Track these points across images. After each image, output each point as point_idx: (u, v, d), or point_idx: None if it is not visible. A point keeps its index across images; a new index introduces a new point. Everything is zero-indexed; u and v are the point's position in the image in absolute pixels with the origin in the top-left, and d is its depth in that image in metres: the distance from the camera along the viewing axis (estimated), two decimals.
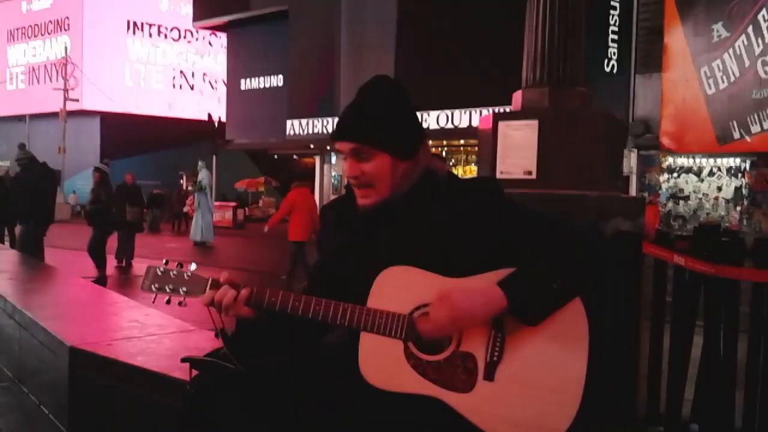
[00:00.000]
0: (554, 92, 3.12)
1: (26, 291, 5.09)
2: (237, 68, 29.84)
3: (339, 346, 1.86)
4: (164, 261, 1.82)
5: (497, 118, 3.24)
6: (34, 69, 41.45)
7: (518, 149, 3.12)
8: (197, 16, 31.18)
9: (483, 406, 1.61)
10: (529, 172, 3.11)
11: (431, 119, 21.39)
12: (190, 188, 24.76)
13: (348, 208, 1.85)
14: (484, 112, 16.20)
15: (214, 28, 32.71)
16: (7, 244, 11.57)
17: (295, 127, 26.42)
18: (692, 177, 20.11)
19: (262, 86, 28.64)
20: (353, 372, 1.64)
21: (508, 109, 3.44)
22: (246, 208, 30.58)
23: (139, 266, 11.62)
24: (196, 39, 41.38)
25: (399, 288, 1.67)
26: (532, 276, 1.63)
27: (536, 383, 1.63)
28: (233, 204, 28.50)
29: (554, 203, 2.95)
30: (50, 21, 40.48)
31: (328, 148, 25.28)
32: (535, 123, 3.06)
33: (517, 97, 3.31)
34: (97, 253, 10.37)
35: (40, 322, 3.71)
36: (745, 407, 2.83)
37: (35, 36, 42.01)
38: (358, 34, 23.53)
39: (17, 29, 43.22)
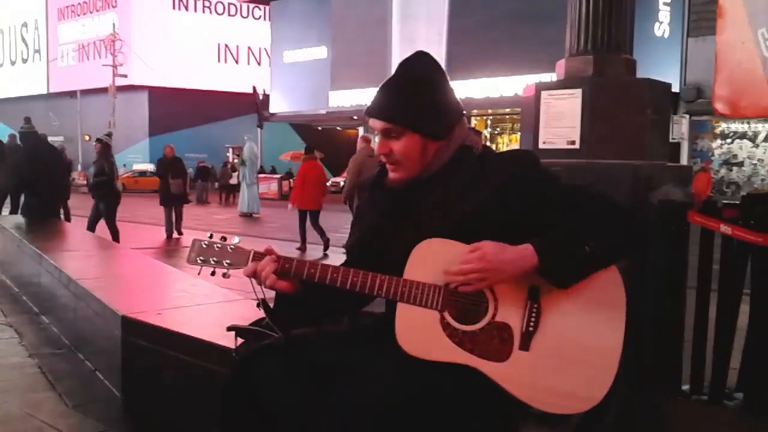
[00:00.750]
0: (598, 60, 3.05)
1: (80, 263, 5.27)
2: (280, 40, 29.88)
3: (377, 316, 1.90)
4: (209, 234, 1.87)
5: (540, 87, 3.19)
6: (83, 46, 42.33)
7: (561, 119, 3.07)
8: None
9: (518, 376, 1.62)
10: (573, 142, 3.06)
11: (483, 87, 21.02)
12: (236, 161, 25.09)
13: (382, 184, 1.86)
14: (533, 80, 15.92)
15: (258, 1, 32.77)
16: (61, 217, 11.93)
17: (338, 98, 26.42)
18: (746, 143, 19.47)
19: (305, 58, 28.65)
20: (391, 341, 1.67)
21: (552, 78, 3.38)
22: (291, 180, 30.89)
23: (188, 238, 11.88)
24: (240, 12, 41.58)
25: (435, 260, 1.69)
26: (564, 237, 1.63)
27: (572, 353, 1.63)
28: (278, 176, 28.80)
29: (598, 173, 2.91)
30: None
31: None
32: (578, 92, 3.00)
33: (561, 65, 3.25)
34: (110, 225, 10.18)
35: (93, 292, 3.85)
36: None
37: (84, 13, 42.81)
38: (410, 3, 23.23)
39: (67, 7, 44.10)
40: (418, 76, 1.77)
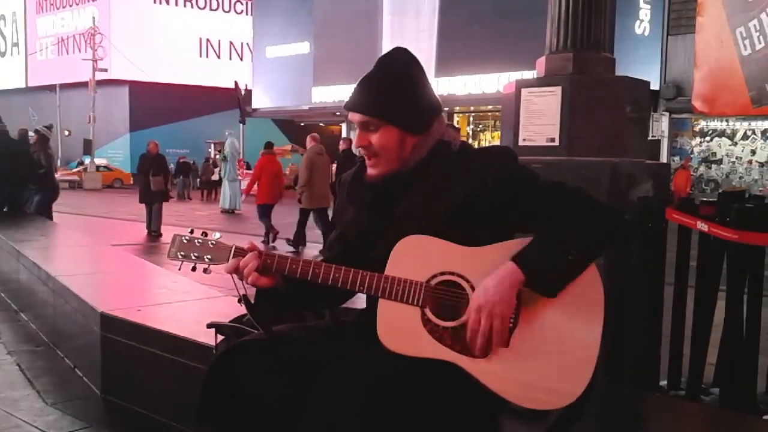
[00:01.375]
0: (578, 58, 3.08)
1: (59, 259, 5.22)
2: (262, 35, 29.73)
3: (358, 312, 1.91)
4: (189, 230, 1.86)
5: (520, 84, 3.21)
6: (63, 39, 41.82)
7: (541, 116, 3.10)
8: None
9: (498, 371, 1.63)
10: (552, 139, 3.09)
11: (467, 83, 21.04)
12: (217, 157, 24.93)
13: (362, 179, 1.87)
14: (516, 76, 15.94)
15: None
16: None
17: (321, 94, 26.35)
18: (725, 140, 19.73)
19: (288, 53, 28.53)
20: (372, 337, 1.67)
21: (534, 75, 3.40)
22: None
23: (168, 234, 11.79)
24: (222, 6, 41.32)
25: (416, 256, 1.70)
26: (547, 247, 1.64)
27: (551, 348, 1.65)
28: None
29: (577, 170, 2.94)
30: None
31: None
32: (558, 90, 3.03)
33: (541, 63, 3.28)
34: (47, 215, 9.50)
35: (72, 288, 3.82)
36: None
37: (63, 6, 42.29)
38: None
39: (45, 0, 43.53)
40: (396, 71, 1.78)
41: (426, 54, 21.39)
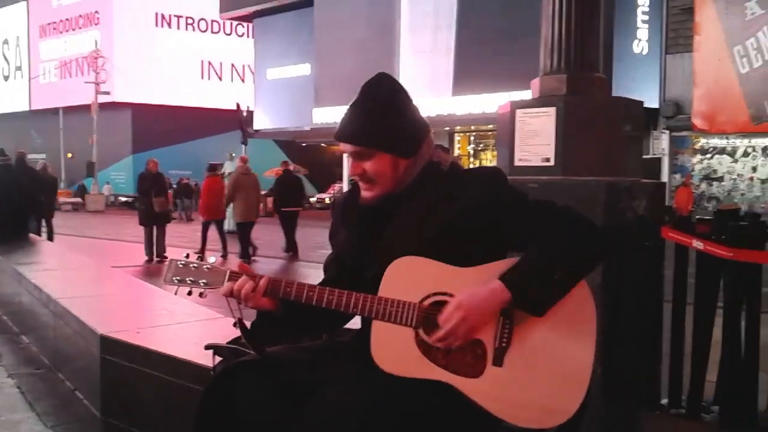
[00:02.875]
0: (572, 79, 3.10)
1: (60, 281, 5.23)
2: (264, 58, 29.95)
3: (353, 333, 1.92)
4: (185, 254, 1.88)
5: (515, 105, 3.24)
6: (66, 63, 42.15)
7: (536, 137, 3.12)
8: (224, 7, 31.32)
9: (492, 391, 1.64)
10: (548, 159, 3.11)
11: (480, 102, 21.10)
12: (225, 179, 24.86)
13: (355, 202, 1.89)
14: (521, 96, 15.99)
15: (241, 18, 32.85)
16: (44, 236, 11.83)
17: (322, 115, 26.48)
18: (726, 158, 19.75)
19: (289, 75, 28.72)
20: (366, 358, 1.68)
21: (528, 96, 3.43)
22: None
23: (173, 255, 11.73)
24: (223, 29, 41.66)
25: (408, 278, 1.71)
26: (533, 267, 1.66)
27: (544, 367, 1.66)
28: (263, 192, 28.72)
29: (572, 190, 2.95)
30: (80, 15, 41.09)
31: None
32: (552, 110, 3.06)
33: (535, 84, 3.31)
34: None
35: (72, 311, 3.83)
36: None
37: (66, 30, 42.68)
38: (417, 14, 23.24)
39: (48, 24, 43.94)
40: (382, 98, 1.80)
41: (444, 71, 21.56)
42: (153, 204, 11.82)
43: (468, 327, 1.64)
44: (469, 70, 20.99)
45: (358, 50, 23.79)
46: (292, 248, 12.80)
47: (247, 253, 11.67)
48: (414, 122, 1.83)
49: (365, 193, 1.83)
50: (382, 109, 1.79)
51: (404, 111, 1.82)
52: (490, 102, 19.96)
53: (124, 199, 34.61)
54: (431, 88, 21.45)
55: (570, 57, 3.06)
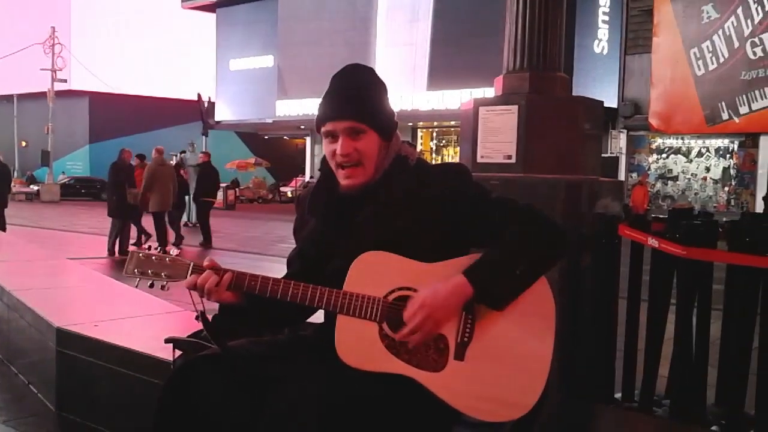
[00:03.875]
0: (534, 78, 3.15)
1: (14, 273, 5.11)
2: (226, 48, 29.63)
3: (316, 327, 1.93)
4: (147, 246, 1.86)
5: (478, 103, 3.28)
6: (21, 49, 40.98)
7: (498, 134, 3.16)
8: None
9: (453, 385, 1.67)
10: (509, 157, 3.15)
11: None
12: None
13: (322, 195, 1.90)
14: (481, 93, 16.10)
15: (203, 8, 32.39)
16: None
17: (285, 107, 26.32)
18: (681, 158, 20.25)
19: (252, 66, 28.46)
20: (329, 352, 1.69)
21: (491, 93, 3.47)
22: (236, 189, 30.59)
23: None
24: (186, 18, 40.97)
25: (374, 272, 1.73)
26: (495, 262, 1.69)
27: (504, 362, 1.69)
28: (224, 185, 28.44)
29: (533, 187, 3.00)
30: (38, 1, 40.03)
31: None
32: (514, 108, 3.10)
33: (499, 81, 3.35)
34: None
35: (27, 303, 3.75)
36: (718, 384, 2.92)
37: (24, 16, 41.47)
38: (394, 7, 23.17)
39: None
40: (368, 79, 1.84)
41: (420, 65, 21.58)
42: (127, 195, 11.41)
43: (432, 323, 1.67)
44: (439, 66, 21.07)
45: (325, 43, 23.70)
46: (206, 238, 12.96)
47: (165, 241, 11.72)
48: (390, 107, 1.88)
49: (347, 181, 1.82)
50: (370, 89, 1.82)
51: (385, 95, 1.86)
52: (453, 98, 20.10)
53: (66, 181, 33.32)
54: (406, 82, 21.49)
55: (533, 56, 3.11)
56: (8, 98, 39.94)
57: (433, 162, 1.94)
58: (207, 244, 12.74)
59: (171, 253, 1.85)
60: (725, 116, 17.94)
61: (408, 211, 1.77)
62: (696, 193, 19.99)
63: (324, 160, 1.88)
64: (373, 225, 1.78)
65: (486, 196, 1.82)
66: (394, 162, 1.84)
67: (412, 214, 1.76)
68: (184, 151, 18.69)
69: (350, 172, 1.80)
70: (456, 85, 20.41)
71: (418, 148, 25.03)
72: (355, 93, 1.80)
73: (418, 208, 1.77)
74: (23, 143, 37.74)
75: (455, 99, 20.25)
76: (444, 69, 20.99)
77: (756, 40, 17.28)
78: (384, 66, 21.29)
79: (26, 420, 3.36)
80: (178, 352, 2.19)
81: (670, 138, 20.03)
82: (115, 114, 36.61)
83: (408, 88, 21.72)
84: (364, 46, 22.86)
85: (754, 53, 17.32)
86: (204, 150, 18.07)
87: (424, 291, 1.68)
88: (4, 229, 11.74)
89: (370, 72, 1.87)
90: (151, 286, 1.84)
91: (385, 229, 1.76)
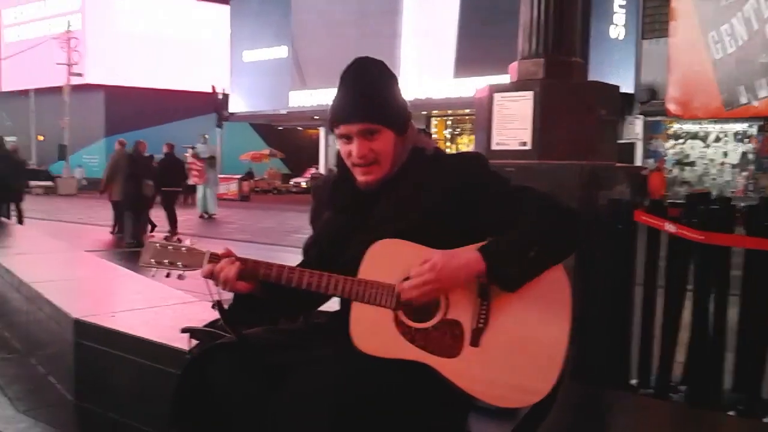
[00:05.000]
0: (549, 64, 3.13)
1: (32, 265, 5.17)
2: (240, 40, 29.64)
3: (331, 315, 1.93)
4: (163, 236, 1.87)
5: (493, 89, 3.26)
6: (37, 44, 41.27)
7: (513, 121, 3.14)
8: None
9: (468, 371, 1.66)
10: (525, 143, 3.13)
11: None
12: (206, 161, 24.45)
13: (341, 187, 1.89)
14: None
15: (217, 0, 32.40)
16: (13, 219, 11.65)
17: (298, 98, 26.32)
18: (698, 143, 20.01)
19: (265, 58, 28.47)
20: (344, 339, 1.69)
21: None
22: (251, 180, 30.68)
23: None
24: (200, 10, 41.06)
25: (389, 260, 1.72)
26: (510, 242, 1.67)
27: (520, 348, 1.68)
28: (238, 176, 28.55)
29: (549, 173, 2.98)
30: None
31: None
32: (530, 95, 3.08)
33: (513, 68, 3.32)
34: None
35: (45, 295, 3.79)
36: (735, 370, 2.89)
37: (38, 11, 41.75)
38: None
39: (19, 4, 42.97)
40: (378, 75, 1.81)
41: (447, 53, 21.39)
42: (144, 187, 11.52)
43: (437, 286, 1.66)
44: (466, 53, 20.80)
45: (341, 31, 23.61)
46: (173, 227, 13.04)
47: (122, 228, 12.15)
48: (404, 99, 1.85)
49: (365, 177, 1.81)
50: (381, 86, 1.80)
51: (397, 88, 1.84)
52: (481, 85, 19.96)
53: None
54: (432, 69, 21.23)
55: (548, 41, 3.09)
56: (25, 93, 40.24)
57: (448, 152, 1.92)
58: (173, 231, 12.76)
59: (186, 242, 1.86)
60: (744, 100, 17.67)
61: (426, 202, 1.76)
62: (713, 179, 19.77)
63: (339, 155, 1.87)
64: (391, 217, 1.78)
65: (504, 184, 1.80)
66: (411, 154, 1.83)
67: (430, 205, 1.76)
68: (196, 144, 18.64)
69: (367, 170, 1.80)
70: (485, 71, 20.26)
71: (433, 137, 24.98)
72: (366, 93, 1.78)
73: (435, 199, 1.76)
74: (40, 138, 38.03)
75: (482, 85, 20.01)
76: (471, 56, 20.67)
77: None
78: (407, 54, 21.17)
79: (44, 410, 3.40)
80: (194, 342, 2.20)
81: (687, 123, 19.80)
82: (130, 107, 36.75)
83: (433, 75, 21.53)
84: (376, 35, 22.70)
85: None
86: (169, 143, 18.14)
87: (440, 254, 1.67)
88: (21, 222, 11.86)
89: (379, 66, 1.83)
90: (168, 276, 1.85)
91: (403, 221, 1.76)
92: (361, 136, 1.78)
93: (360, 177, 1.82)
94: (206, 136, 18.93)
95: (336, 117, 1.80)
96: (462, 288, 1.69)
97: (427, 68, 21.82)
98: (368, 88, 1.79)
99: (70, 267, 5.45)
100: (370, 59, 1.85)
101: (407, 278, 1.70)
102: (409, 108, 1.87)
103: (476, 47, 20.15)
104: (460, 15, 21.58)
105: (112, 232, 12.69)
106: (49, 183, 31.37)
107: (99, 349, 3.11)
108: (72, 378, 3.34)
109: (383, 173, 1.80)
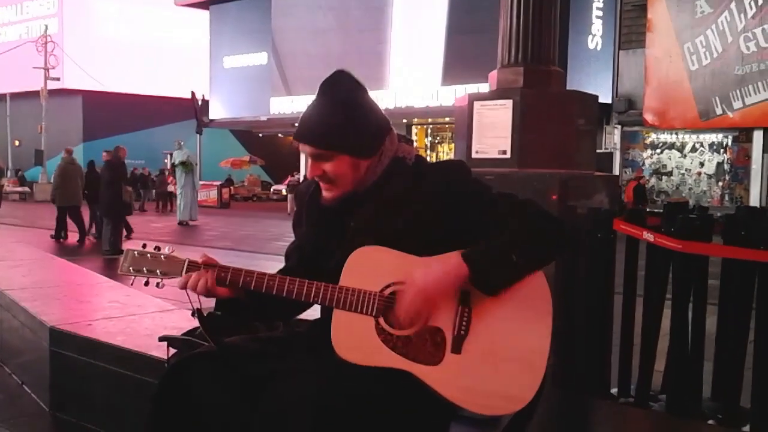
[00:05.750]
0: (529, 72, 3.15)
1: (7, 272, 5.08)
2: (220, 46, 29.53)
3: (311, 323, 1.92)
4: (142, 244, 1.85)
5: (473, 97, 3.27)
6: (13, 48, 40.80)
7: (493, 129, 3.15)
8: None
9: (450, 378, 1.66)
10: (504, 152, 3.15)
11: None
12: (178, 167, 24.31)
13: (317, 198, 1.88)
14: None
15: (196, 5, 32.25)
16: None
17: (279, 105, 26.26)
18: (675, 153, 20.28)
19: (245, 64, 28.39)
20: (325, 347, 1.68)
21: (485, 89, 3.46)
22: (231, 187, 30.52)
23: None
24: (179, 16, 40.83)
25: (370, 267, 1.71)
26: (493, 247, 1.68)
27: (501, 355, 1.68)
28: (218, 183, 28.38)
29: (528, 182, 3.00)
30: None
31: None
32: (509, 103, 3.09)
33: (493, 76, 3.34)
34: None
35: (20, 302, 3.73)
36: (714, 378, 2.92)
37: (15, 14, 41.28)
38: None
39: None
40: (341, 98, 1.76)
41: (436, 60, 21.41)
42: (123, 193, 11.30)
43: (428, 309, 1.66)
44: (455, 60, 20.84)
45: (320, 39, 23.60)
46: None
47: (60, 234, 12.64)
48: (374, 121, 1.80)
49: (326, 194, 1.82)
50: (341, 109, 1.75)
51: (363, 110, 1.78)
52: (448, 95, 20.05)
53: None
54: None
55: (527, 50, 3.10)
56: (1, 97, 39.71)
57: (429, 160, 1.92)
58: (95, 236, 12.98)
59: (166, 250, 1.84)
60: (719, 111, 17.98)
61: (407, 211, 1.76)
62: (690, 188, 20.03)
63: None
64: (372, 225, 1.77)
65: (486, 192, 1.80)
66: (391, 164, 1.82)
67: (411, 214, 1.75)
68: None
69: (326, 187, 1.81)
70: (474, 79, 20.35)
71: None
72: (323, 116, 1.74)
73: (416, 207, 1.75)
74: (16, 142, 37.53)
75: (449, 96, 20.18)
76: (460, 63, 20.64)
77: (749, 34, 17.32)
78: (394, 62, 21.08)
79: (20, 420, 3.33)
80: (172, 351, 2.17)
81: (664, 133, 20.06)
82: (109, 112, 36.40)
83: (420, 83, 21.54)
84: (373, 40, 22.63)
85: (748, 48, 17.36)
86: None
87: (417, 277, 1.66)
88: None
89: (349, 86, 1.78)
90: (146, 284, 1.83)
91: (384, 231, 1.75)
92: (314, 158, 1.77)
93: (323, 192, 1.83)
94: (181, 142, 18.76)
95: (294, 134, 1.79)
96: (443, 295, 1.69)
97: (414, 75, 21.84)
98: (324, 111, 1.75)
99: (46, 274, 5.37)
100: (345, 75, 1.80)
101: (389, 285, 1.70)
102: (385, 125, 1.82)
103: (463, 55, 20.19)
104: (447, 20, 21.61)
105: (52, 236, 12.74)
106: (25, 189, 30.97)
107: (75, 358, 3.06)
108: (47, 387, 3.29)
109: (343, 192, 1.79)
